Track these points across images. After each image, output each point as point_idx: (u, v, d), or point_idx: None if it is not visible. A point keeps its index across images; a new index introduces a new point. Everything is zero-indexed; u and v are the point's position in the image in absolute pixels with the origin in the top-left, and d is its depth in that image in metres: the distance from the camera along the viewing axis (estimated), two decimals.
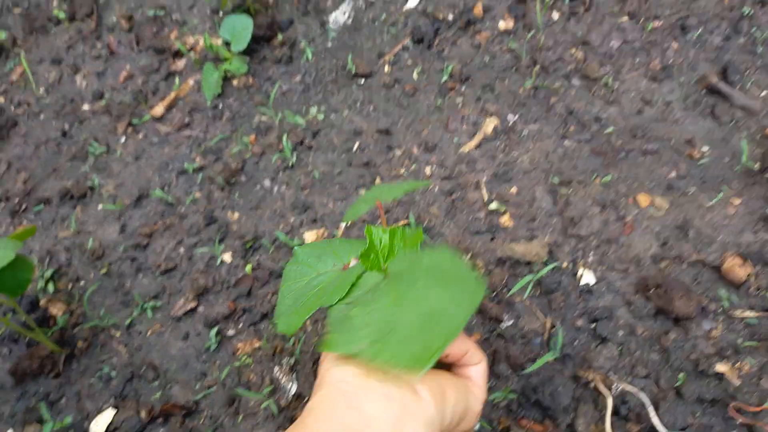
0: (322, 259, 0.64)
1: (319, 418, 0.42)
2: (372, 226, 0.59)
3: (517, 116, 1.32)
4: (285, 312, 0.62)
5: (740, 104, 1.24)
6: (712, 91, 1.27)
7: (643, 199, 1.13)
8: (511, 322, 1.01)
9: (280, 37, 1.50)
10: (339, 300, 0.56)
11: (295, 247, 0.66)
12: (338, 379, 0.45)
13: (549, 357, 0.96)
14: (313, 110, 1.36)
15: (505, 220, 1.12)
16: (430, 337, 0.48)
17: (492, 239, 1.10)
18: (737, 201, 1.11)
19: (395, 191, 0.74)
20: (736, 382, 0.94)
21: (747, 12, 1.33)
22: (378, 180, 1.22)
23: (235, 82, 1.44)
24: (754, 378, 0.94)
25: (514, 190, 1.17)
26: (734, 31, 1.33)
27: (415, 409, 0.43)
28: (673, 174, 1.18)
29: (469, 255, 1.08)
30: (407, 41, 1.45)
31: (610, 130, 1.26)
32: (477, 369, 0.60)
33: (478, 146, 1.28)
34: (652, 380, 0.95)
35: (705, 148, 1.22)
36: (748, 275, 1.01)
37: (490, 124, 1.31)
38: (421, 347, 0.45)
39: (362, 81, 1.41)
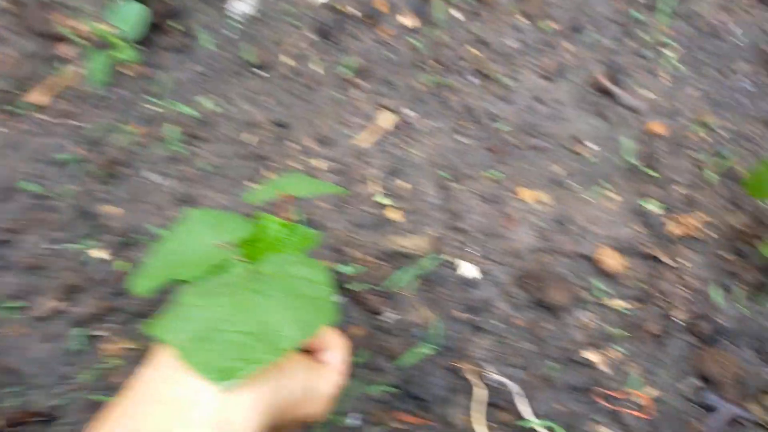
0: (213, 230, 0.60)
1: (142, 389, 0.41)
2: (268, 215, 0.56)
3: (415, 112, 1.32)
4: (146, 273, 0.58)
5: (626, 104, 1.28)
6: (602, 91, 1.30)
7: (528, 195, 1.15)
8: (392, 316, 1.00)
9: (176, 25, 1.44)
10: (193, 278, 0.53)
11: (189, 210, 0.61)
12: (167, 353, 0.44)
13: (425, 349, 0.95)
14: (208, 101, 1.32)
15: (395, 214, 1.11)
16: (248, 354, 0.45)
17: (379, 233, 1.08)
18: (616, 196, 1.15)
19: (309, 187, 0.71)
20: (605, 370, 0.96)
21: (637, 17, 1.38)
22: (271, 174, 1.19)
23: (126, 71, 1.37)
24: (622, 365, 0.96)
25: (405, 185, 1.17)
26: (624, 34, 1.37)
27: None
28: (561, 170, 1.20)
29: (355, 248, 1.06)
30: (311, 34, 1.42)
31: (503, 127, 1.28)
32: (333, 354, 0.59)
33: (375, 141, 1.27)
34: (525, 369, 0.96)
35: (592, 146, 1.25)
36: (622, 267, 1.04)
37: (387, 120, 1.30)
38: (231, 363, 0.42)
39: (262, 73, 1.38)
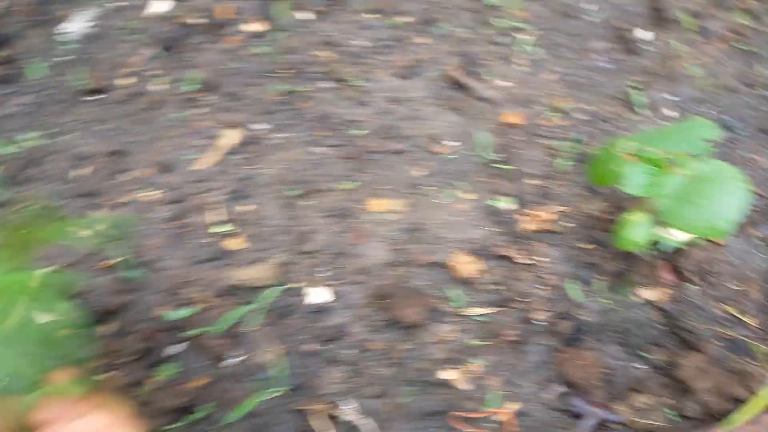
0: None
1: None
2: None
3: (264, 125, 1.22)
4: None
5: (482, 96, 1.22)
6: (457, 85, 1.24)
7: (379, 205, 1.08)
8: (236, 359, 0.91)
9: (2, 53, 1.29)
10: None
11: None
12: None
13: (272, 392, 0.87)
14: (34, 135, 1.18)
15: (237, 242, 1.01)
16: None
17: (219, 267, 0.98)
18: (470, 196, 1.09)
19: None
20: (464, 388, 0.90)
21: (490, 2, 1.32)
22: (103, 211, 1.07)
23: None
24: (482, 380, 0.90)
25: (248, 208, 1.07)
26: (478, 22, 1.32)
27: None
28: (419, 173, 1.13)
29: (192, 287, 0.96)
30: (152, 49, 1.30)
31: (360, 132, 1.20)
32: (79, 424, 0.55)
33: (217, 162, 1.16)
34: (382, 398, 0.89)
35: (451, 143, 1.19)
36: (478, 271, 0.98)
37: (232, 137, 1.20)
38: None
39: (97, 97, 1.25)
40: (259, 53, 1.30)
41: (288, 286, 0.99)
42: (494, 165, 1.13)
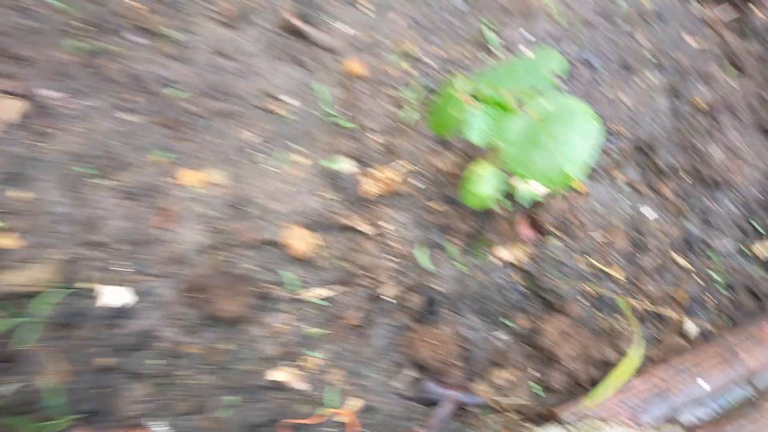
0: None
1: None
2: None
3: (58, 92, 0.98)
4: None
5: (323, 45, 1.04)
6: (294, 32, 1.05)
7: (194, 178, 0.87)
8: (11, 386, 0.69)
9: None
10: None
11: None
12: None
13: (55, 426, 0.66)
14: None
15: (9, 240, 0.78)
16: None
17: None
18: (305, 160, 0.91)
19: None
20: (300, 387, 0.73)
21: None
22: None
23: None
24: (321, 375, 0.74)
25: (28, 195, 0.83)
26: None
27: None
28: (252, 137, 0.95)
29: None
30: None
31: (180, 93, 0.98)
32: None
33: None
34: (200, 413, 0.70)
35: (290, 101, 1.00)
36: (315, 246, 0.81)
37: (12, 108, 0.94)
38: None
39: None
40: (54, 5, 1.05)
41: (75, 287, 0.77)
42: (336, 122, 0.96)
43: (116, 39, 1.03)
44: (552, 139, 0.67)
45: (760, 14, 1.05)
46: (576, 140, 0.65)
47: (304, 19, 1.07)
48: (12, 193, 0.86)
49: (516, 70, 0.77)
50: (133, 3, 1.06)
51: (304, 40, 1.07)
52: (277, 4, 1.09)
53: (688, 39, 1.05)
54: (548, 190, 0.84)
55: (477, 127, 0.72)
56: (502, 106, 0.71)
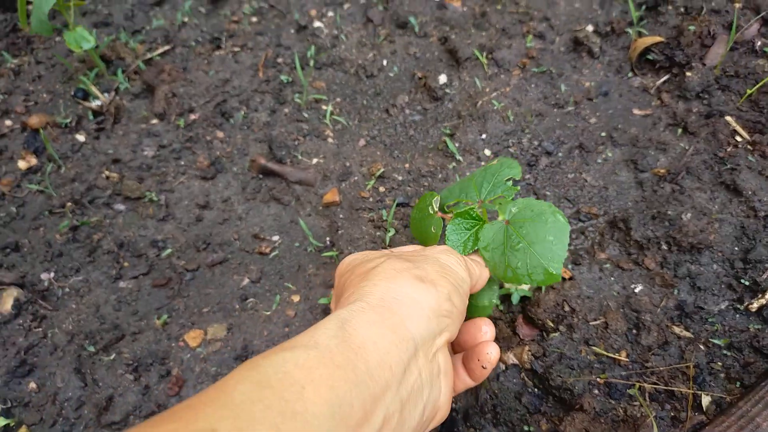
0: None
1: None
2: None
3: (52, 273, 1.01)
4: None
5: (295, 179, 1.09)
6: (266, 172, 1.10)
7: (196, 337, 0.89)
8: None
9: None
10: None
11: None
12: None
13: None
14: None
15: None
16: None
17: None
18: (296, 298, 0.93)
19: None
20: None
21: (286, 80, 1.22)
22: None
23: None
24: None
25: (32, 385, 0.84)
26: (278, 102, 1.20)
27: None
28: (243, 281, 0.97)
29: None
30: None
31: (169, 251, 1.02)
32: None
33: None
34: None
35: (275, 238, 1.04)
36: None
37: (7, 299, 0.96)
38: None
39: None
40: (36, 190, 1.10)
41: None
42: (321, 252, 1.00)
43: (99, 211, 1.08)
44: (526, 241, 0.70)
45: (692, 75, 1.13)
46: (549, 238, 0.68)
47: (276, 159, 1.13)
48: (15, 386, 0.87)
49: (478, 180, 0.82)
50: (112, 174, 1.11)
51: (279, 178, 1.12)
52: (249, 149, 1.15)
53: (634, 110, 1.12)
54: (534, 286, 0.87)
55: (454, 241, 0.75)
56: (473, 217, 0.75)
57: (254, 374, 0.36)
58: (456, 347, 0.65)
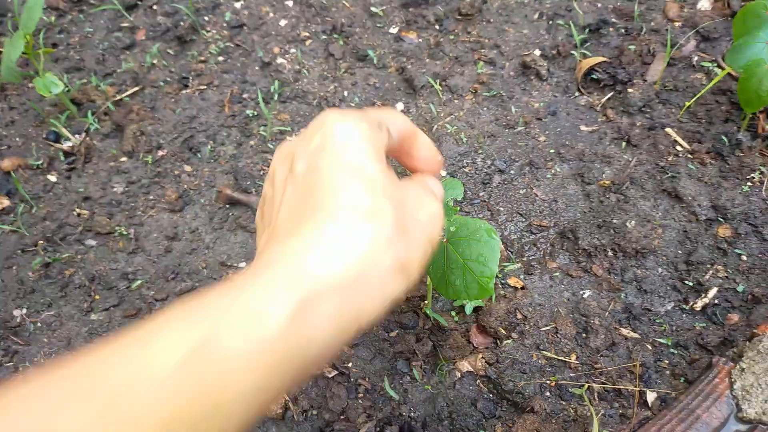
0: None
1: None
2: None
3: (24, 309, 1.03)
4: None
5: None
6: (233, 202, 1.15)
7: None
8: None
9: None
10: None
11: None
12: None
13: None
14: None
15: None
16: None
17: None
18: None
19: None
20: None
21: (251, 114, 1.27)
22: None
23: None
24: None
25: None
26: (243, 135, 1.25)
27: None
28: None
29: None
30: None
31: (139, 282, 1.05)
32: None
33: None
34: None
35: (242, 264, 1.07)
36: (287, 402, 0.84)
37: None
38: None
39: None
40: (9, 230, 1.14)
41: None
42: None
43: (71, 247, 1.11)
44: (463, 259, 0.74)
45: (634, 91, 1.20)
46: (482, 255, 0.72)
47: (242, 189, 1.18)
48: None
49: None
50: (83, 211, 1.15)
51: (245, 207, 1.17)
52: (215, 181, 1.20)
53: (581, 126, 1.18)
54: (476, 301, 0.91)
55: None
56: None
57: None
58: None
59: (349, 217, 0.32)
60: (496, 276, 0.97)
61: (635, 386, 0.82)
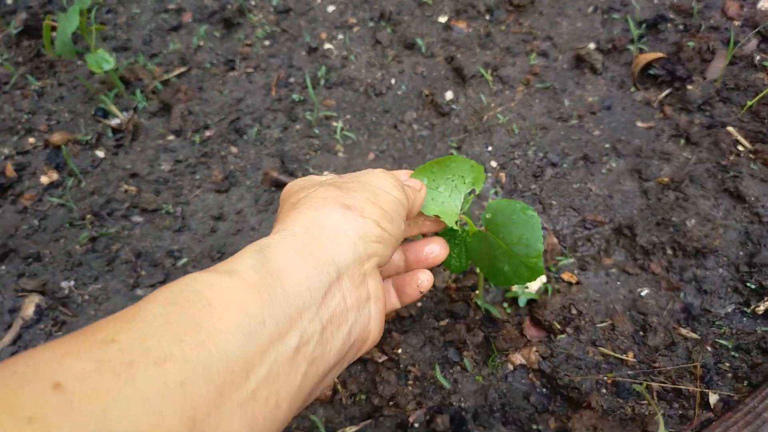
0: None
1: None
2: None
3: (72, 281, 1.04)
4: None
5: None
6: (278, 185, 1.14)
7: None
8: None
9: None
10: None
11: None
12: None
13: None
14: None
15: None
16: None
17: None
18: None
19: None
20: None
21: (297, 98, 1.27)
22: None
23: None
24: None
25: None
26: (289, 119, 1.25)
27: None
28: None
29: None
30: None
31: (184, 261, 1.05)
32: None
33: (14, 341, 0.95)
34: None
35: None
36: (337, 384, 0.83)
37: (29, 304, 0.99)
38: None
39: None
40: (57, 204, 1.14)
41: None
42: None
43: (117, 222, 1.11)
44: (505, 243, 0.70)
45: (693, 89, 1.16)
46: (524, 235, 0.68)
47: (288, 172, 1.17)
48: None
49: (432, 183, 0.78)
50: (130, 187, 1.15)
51: None
52: (261, 164, 1.19)
53: (637, 122, 1.15)
54: (541, 288, 0.89)
55: (449, 257, 0.75)
56: (453, 231, 0.74)
57: (164, 294, 0.37)
58: (407, 266, 0.66)
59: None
60: (549, 270, 0.95)
61: (696, 387, 0.79)
